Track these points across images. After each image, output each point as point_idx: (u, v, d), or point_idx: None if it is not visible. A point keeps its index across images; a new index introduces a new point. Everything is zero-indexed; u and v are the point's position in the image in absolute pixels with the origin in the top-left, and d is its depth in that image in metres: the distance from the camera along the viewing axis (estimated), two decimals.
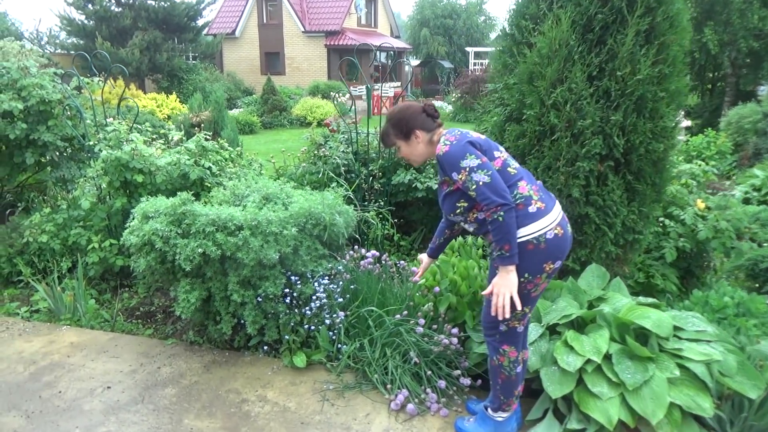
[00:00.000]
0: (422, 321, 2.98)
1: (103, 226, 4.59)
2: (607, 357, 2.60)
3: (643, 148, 3.18)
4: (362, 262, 3.49)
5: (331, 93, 19.81)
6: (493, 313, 2.30)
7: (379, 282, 3.36)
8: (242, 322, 3.36)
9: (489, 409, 2.61)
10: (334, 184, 3.98)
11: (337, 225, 3.48)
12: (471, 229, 2.44)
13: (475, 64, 24.39)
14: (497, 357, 2.45)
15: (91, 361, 3.38)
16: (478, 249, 3.35)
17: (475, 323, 3.11)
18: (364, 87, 21.56)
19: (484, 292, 2.39)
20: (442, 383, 2.81)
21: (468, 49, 25.20)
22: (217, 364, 3.32)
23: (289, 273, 3.32)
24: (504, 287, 2.23)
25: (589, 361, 2.58)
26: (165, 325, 3.98)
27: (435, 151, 2.40)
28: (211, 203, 3.65)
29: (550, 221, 2.29)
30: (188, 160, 4.61)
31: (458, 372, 2.88)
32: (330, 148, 5.37)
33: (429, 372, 2.90)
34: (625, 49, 3.08)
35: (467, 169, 2.20)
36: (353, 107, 6.33)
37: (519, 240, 2.23)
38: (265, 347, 3.37)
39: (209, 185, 4.59)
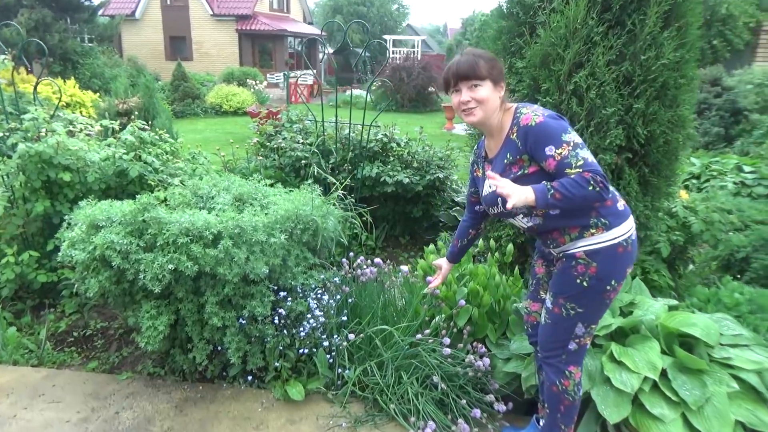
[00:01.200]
0: (447, 340, 2.58)
1: (17, 234, 3.80)
2: (662, 373, 2.35)
3: (663, 139, 2.97)
4: (361, 271, 3.03)
5: (248, 80, 18.80)
6: (492, 187, 1.88)
7: (381, 295, 2.93)
8: (218, 348, 2.81)
9: None
10: (310, 181, 3.47)
11: (327, 229, 3.00)
12: (530, 224, 2.05)
13: (394, 53, 24.15)
14: (561, 381, 2.11)
15: (23, 409, 2.69)
16: (492, 252, 3.00)
17: (497, 338, 2.77)
18: (281, 74, 20.65)
19: (492, 173, 1.93)
20: (477, 412, 2.44)
21: (386, 37, 24.91)
22: (191, 403, 2.74)
23: (276, 287, 2.81)
24: (515, 192, 1.82)
25: (644, 378, 2.31)
26: (108, 353, 3.31)
27: (498, 118, 2.04)
28: (169, 206, 3.03)
29: (633, 220, 2.00)
30: (125, 154, 3.91)
31: (490, 397, 2.52)
32: (285, 139, 4.82)
33: (456, 398, 2.52)
34: (646, 31, 2.83)
35: (571, 144, 1.86)
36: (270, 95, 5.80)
37: (612, 242, 1.94)
38: (249, 377, 2.83)
39: (152, 183, 3.92)
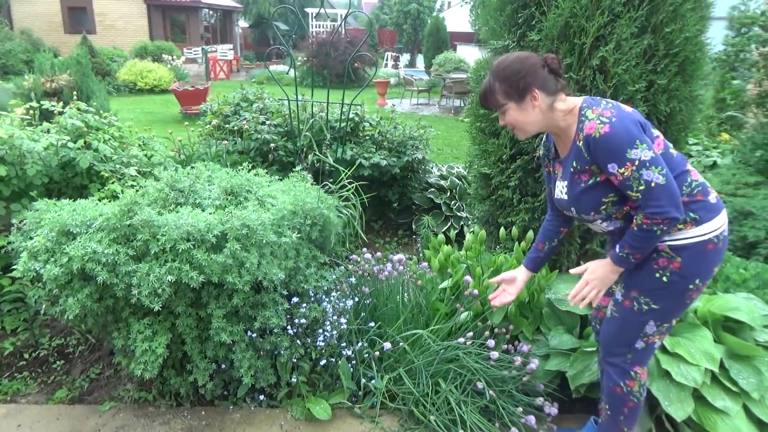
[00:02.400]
0: (492, 342, 2.35)
1: None
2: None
3: (681, 116, 2.87)
4: (378, 268, 2.74)
5: (163, 55, 17.52)
6: (571, 300, 1.89)
7: (402, 294, 2.66)
8: (221, 366, 2.44)
9: None
10: (299, 168, 3.10)
11: (335, 223, 2.68)
12: (610, 229, 1.87)
13: (317, 26, 23.38)
14: (626, 382, 1.94)
15: None
16: (519, 242, 2.78)
17: (532, 333, 2.58)
18: (199, 49, 19.40)
19: (575, 270, 1.92)
20: (532, 418, 2.24)
21: (308, 10, 24.02)
22: None
23: (286, 293, 2.47)
24: (600, 280, 1.85)
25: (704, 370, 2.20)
26: (72, 376, 2.84)
27: (558, 122, 1.83)
28: (139, 204, 2.58)
29: (726, 214, 1.82)
30: (71, 141, 3.35)
31: (540, 400, 2.33)
32: (248, 120, 4.37)
33: (503, 404, 2.31)
34: (669, 1, 2.69)
35: (636, 162, 1.64)
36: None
37: (702, 238, 1.75)
38: (261, 396, 2.48)
39: (105, 175, 3.39)
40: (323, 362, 2.46)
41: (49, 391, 2.74)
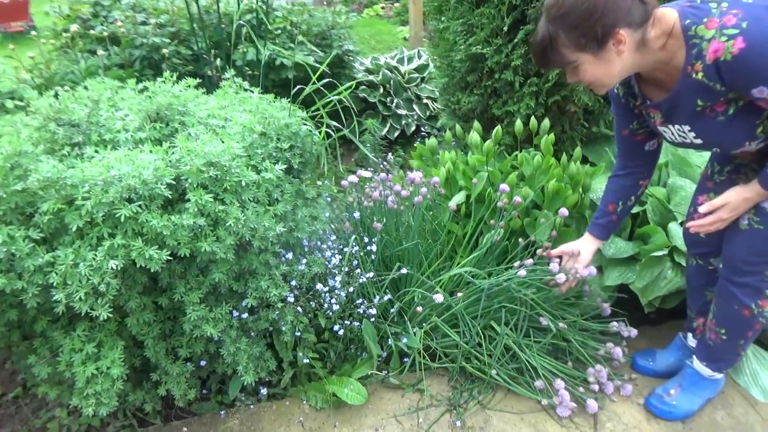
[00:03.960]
0: (555, 266, 1.83)
1: None
2: None
3: None
4: (379, 192, 2.08)
5: None
6: (690, 228, 1.55)
7: (419, 223, 2.05)
8: (200, 363, 1.75)
9: (706, 368, 1.76)
10: (231, 73, 2.25)
11: (318, 144, 1.97)
12: (760, 146, 1.41)
13: None
14: (758, 303, 1.55)
15: None
16: (545, 134, 2.18)
17: None
18: None
19: (707, 207, 1.49)
20: (618, 351, 1.83)
21: None
22: None
23: (279, 249, 1.77)
24: (739, 209, 1.46)
25: None
26: None
27: (654, 57, 1.31)
28: (28, 153, 1.66)
29: None
30: None
31: (614, 324, 1.91)
32: (123, 21, 3.29)
33: (576, 336, 1.87)
34: None
35: None
36: None
37: None
38: (263, 389, 1.83)
39: None
40: (338, 329, 1.84)
41: None
